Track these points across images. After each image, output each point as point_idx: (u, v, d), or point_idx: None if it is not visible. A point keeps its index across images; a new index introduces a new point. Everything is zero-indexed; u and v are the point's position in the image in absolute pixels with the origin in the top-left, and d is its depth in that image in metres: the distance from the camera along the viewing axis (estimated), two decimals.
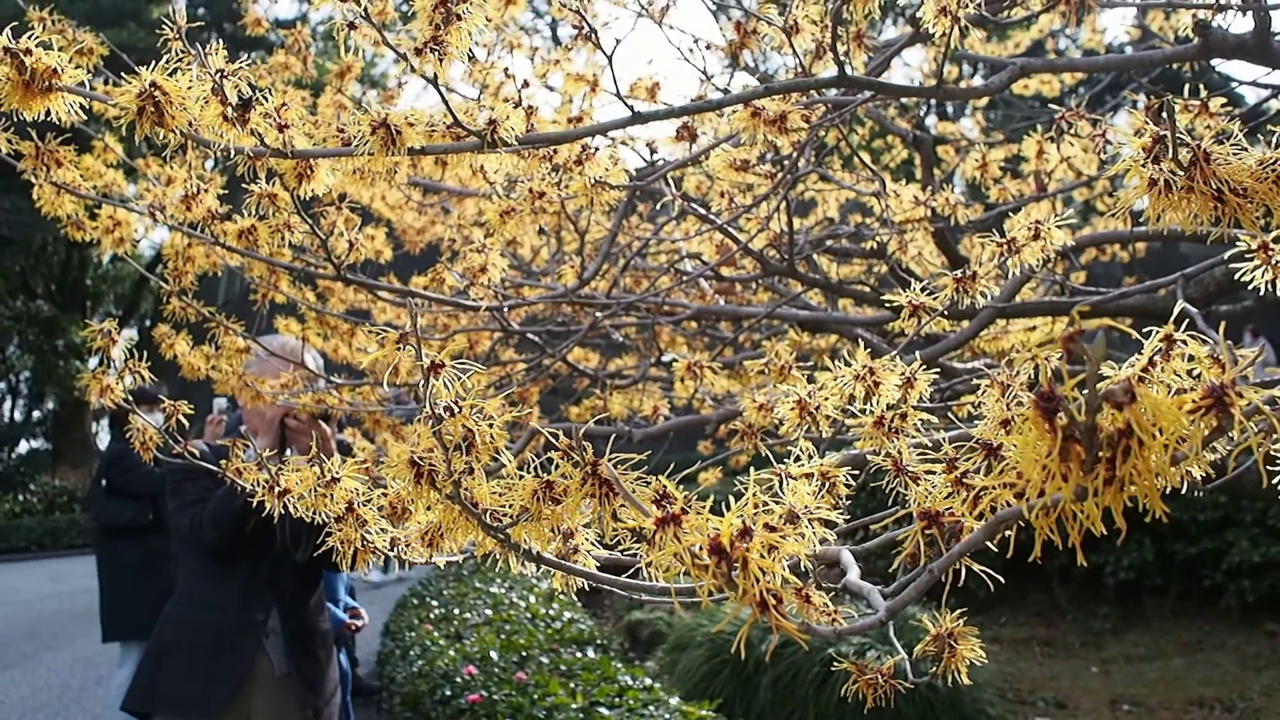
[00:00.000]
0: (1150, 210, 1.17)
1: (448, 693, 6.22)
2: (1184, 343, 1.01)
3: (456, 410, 1.32)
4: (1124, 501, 0.81)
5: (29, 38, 1.53)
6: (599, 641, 8.03)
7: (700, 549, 0.95)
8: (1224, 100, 2.50)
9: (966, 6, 2.01)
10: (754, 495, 1.01)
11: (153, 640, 4.05)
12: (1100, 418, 0.79)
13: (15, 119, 1.63)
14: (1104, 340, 0.77)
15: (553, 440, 1.26)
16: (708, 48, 3.61)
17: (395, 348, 1.51)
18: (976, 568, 1.19)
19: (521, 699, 5.73)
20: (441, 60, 1.69)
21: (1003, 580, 1.29)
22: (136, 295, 38.38)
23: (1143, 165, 1.16)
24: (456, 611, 8.85)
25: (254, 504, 1.82)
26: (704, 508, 1.02)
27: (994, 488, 0.94)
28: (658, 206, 3.41)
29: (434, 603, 9.67)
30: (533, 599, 9.47)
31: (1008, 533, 1.02)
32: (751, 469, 1.36)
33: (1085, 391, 0.78)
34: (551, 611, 8.89)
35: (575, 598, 9.98)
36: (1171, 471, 0.81)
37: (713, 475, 5.75)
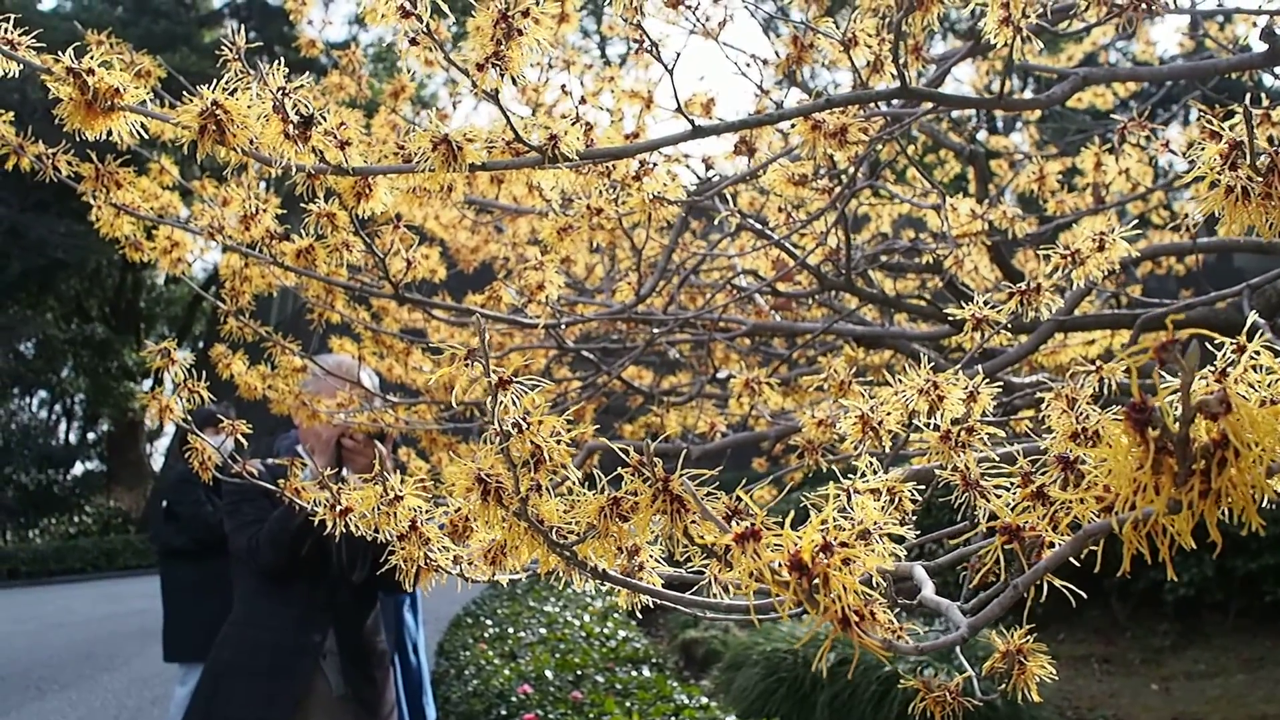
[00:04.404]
0: (1226, 218, 1.15)
1: (503, 712, 6.21)
2: (1256, 354, 0.98)
3: (525, 427, 1.31)
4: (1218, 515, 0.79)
5: (90, 58, 1.54)
6: (654, 660, 7.99)
7: (780, 565, 0.94)
8: None
9: (1029, 17, 1.99)
10: (830, 511, 0.99)
11: (210, 661, 4.06)
12: (1193, 429, 0.77)
13: (72, 140, 1.64)
14: (1198, 349, 0.75)
15: (622, 456, 1.25)
16: (764, 63, 3.59)
17: (463, 365, 1.50)
18: (1058, 583, 1.16)
19: (577, 718, 5.71)
20: (503, 75, 1.69)
21: (1062, 596, 1.26)
22: (189, 317, 38.72)
23: (1219, 172, 1.14)
24: (511, 630, 8.84)
25: (311, 525, 1.82)
26: (779, 524, 1.01)
27: (1077, 502, 0.92)
28: (714, 223, 3.40)
29: (488, 622, 9.67)
30: (587, 618, 9.45)
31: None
32: (808, 486, 1.34)
33: (1180, 402, 0.76)
34: (606, 630, 8.86)
35: (630, 616, 9.97)
36: (1268, 484, 0.79)
37: (767, 492, 5.72)
